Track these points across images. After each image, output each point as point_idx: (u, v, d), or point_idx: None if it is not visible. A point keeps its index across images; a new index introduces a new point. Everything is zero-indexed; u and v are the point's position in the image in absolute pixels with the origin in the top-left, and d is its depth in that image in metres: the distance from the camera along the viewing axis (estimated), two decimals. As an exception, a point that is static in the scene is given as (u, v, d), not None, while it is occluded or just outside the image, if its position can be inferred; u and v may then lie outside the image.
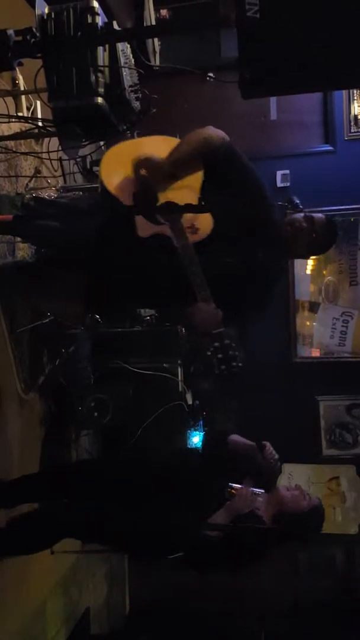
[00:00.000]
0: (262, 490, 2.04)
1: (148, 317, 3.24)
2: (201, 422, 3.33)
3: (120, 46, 2.16)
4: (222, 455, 2.21)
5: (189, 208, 1.70)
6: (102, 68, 2.06)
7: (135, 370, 3.14)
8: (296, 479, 3.84)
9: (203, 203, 1.75)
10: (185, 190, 1.82)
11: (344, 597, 3.67)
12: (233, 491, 2.00)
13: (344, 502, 3.81)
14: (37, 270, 2.27)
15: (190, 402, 3.30)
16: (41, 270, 2.22)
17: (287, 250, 1.97)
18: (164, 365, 3.17)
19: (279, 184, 3.90)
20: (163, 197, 1.82)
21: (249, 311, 2.01)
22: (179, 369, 3.20)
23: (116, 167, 1.87)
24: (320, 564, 3.75)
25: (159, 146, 1.88)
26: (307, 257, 1.85)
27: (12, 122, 2.48)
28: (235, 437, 2.31)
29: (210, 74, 3.41)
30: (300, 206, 1.79)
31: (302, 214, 1.93)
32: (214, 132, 1.84)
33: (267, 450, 2.19)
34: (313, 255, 2.02)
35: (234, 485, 2.02)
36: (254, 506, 1.96)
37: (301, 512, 1.97)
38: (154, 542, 1.98)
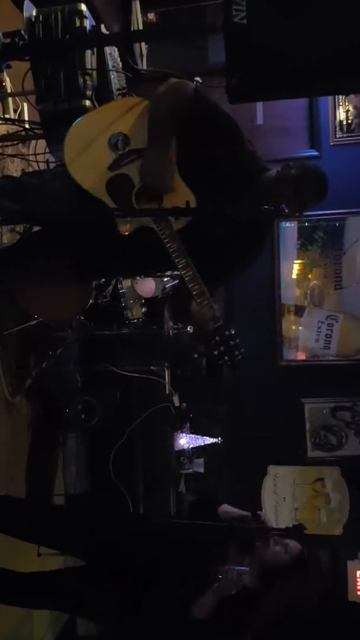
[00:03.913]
0: (247, 568, 1.94)
1: (135, 320, 3.25)
2: (188, 425, 3.34)
3: (108, 49, 2.18)
4: (214, 532, 2.11)
5: (175, 211, 1.71)
6: (90, 71, 2.08)
7: (123, 372, 3.14)
8: (281, 480, 3.87)
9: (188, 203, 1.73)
10: None
11: (329, 597, 3.69)
12: (218, 574, 1.91)
13: (328, 504, 3.84)
14: (22, 263, 2.21)
15: (177, 404, 3.31)
16: (27, 265, 2.17)
17: (274, 196, 1.79)
18: (152, 367, 3.18)
19: (265, 188, 3.93)
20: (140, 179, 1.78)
21: (240, 272, 2.02)
22: (166, 372, 3.21)
23: (85, 157, 1.79)
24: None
25: (121, 115, 1.81)
26: (294, 208, 1.71)
27: (-1, 124, 2.48)
28: (226, 508, 2.26)
29: (197, 79, 3.43)
30: (286, 210, 1.79)
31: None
32: (175, 81, 1.78)
33: (262, 521, 2.14)
34: (300, 206, 1.83)
35: (220, 568, 1.94)
36: (240, 587, 1.89)
37: (286, 567, 1.91)
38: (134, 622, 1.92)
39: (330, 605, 3.63)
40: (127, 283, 3.21)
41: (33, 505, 2.45)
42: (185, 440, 3.32)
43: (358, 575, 3.70)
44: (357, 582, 3.71)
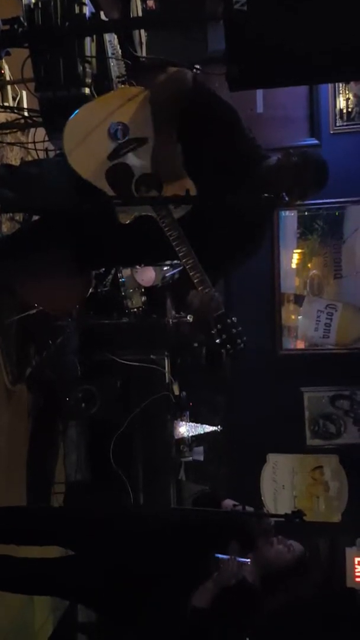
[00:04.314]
0: (248, 560, 1.93)
1: (135, 309, 3.25)
2: (187, 413, 3.36)
3: (107, 37, 2.17)
4: (216, 525, 2.09)
5: (176, 199, 1.71)
6: (89, 59, 2.06)
7: (123, 361, 3.15)
8: (280, 468, 3.90)
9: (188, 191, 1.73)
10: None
11: (328, 583, 3.73)
12: (219, 563, 1.90)
13: (327, 491, 3.87)
14: (22, 253, 2.21)
15: (177, 393, 3.32)
16: (27, 254, 2.17)
17: (274, 183, 1.76)
18: (151, 356, 3.19)
19: (265, 177, 3.92)
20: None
21: (241, 262, 2.01)
22: (166, 361, 3.22)
23: (84, 146, 1.78)
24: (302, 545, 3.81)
25: (121, 104, 1.80)
26: (294, 196, 1.69)
27: (-2, 112, 2.46)
28: (229, 503, 2.25)
29: (197, 67, 3.41)
30: (286, 198, 1.79)
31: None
32: (174, 70, 1.77)
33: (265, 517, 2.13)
34: (301, 194, 1.82)
35: (220, 556, 1.93)
36: (240, 577, 1.88)
37: (287, 567, 1.91)
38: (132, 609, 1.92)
39: (329, 592, 3.68)
40: (126, 272, 3.21)
41: (29, 513, 2.43)
42: (185, 429, 3.34)
43: (356, 562, 3.73)
44: (355, 568, 3.75)
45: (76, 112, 1.80)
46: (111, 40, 2.22)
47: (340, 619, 3.55)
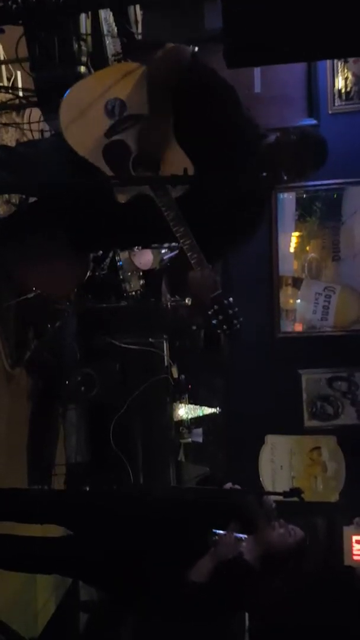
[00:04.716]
0: (245, 536, 1.94)
1: (133, 293, 3.25)
2: (186, 395, 3.38)
3: (102, 14, 2.13)
4: (216, 505, 2.12)
5: (174, 179, 1.69)
6: (84, 36, 2.03)
7: (122, 345, 3.16)
8: (279, 449, 3.93)
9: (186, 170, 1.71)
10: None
11: (326, 562, 3.79)
12: (216, 538, 1.91)
13: (325, 472, 3.91)
14: (18, 236, 2.20)
15: (176, 375, 3.33)
16: (23, 237, 2.16)
17: (273, 162, 1.76)
18: (150, 340, 3.20)
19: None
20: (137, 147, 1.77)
21: (239, 243, 2.00)
22: (165, 344, 3.22)
23: (81, 123, 1.75)
24: (302, 530, 3.86)
25: (118, 80, 1.77)
26: (293, 175, 1.69)
27: (-7, 92, 2.43)
28: (229, 486, 2.23)
29: (194, 46, 3.36)
30: (285, 177, 1.78)
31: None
32: (172, 46, 1.74)
33: (265, 500, 2.11)
34: (299, 173, 1.81)
35: (218, 531, 1.93)
36: (237, 553, 1.88)
37: (287, 551, 1.90)
38: (128, 582, 1.93)
39: (327, 570, 3.74)
40: (124, 255, 3.20)
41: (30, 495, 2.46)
42: (184, 411, 3.36)
43: (354, 541, 3.79)
44: (353, 547, 3.81)
45: (72, 87, 1.77)
46: (106, 17, 2.19)
47: (338, 597, 3.60)
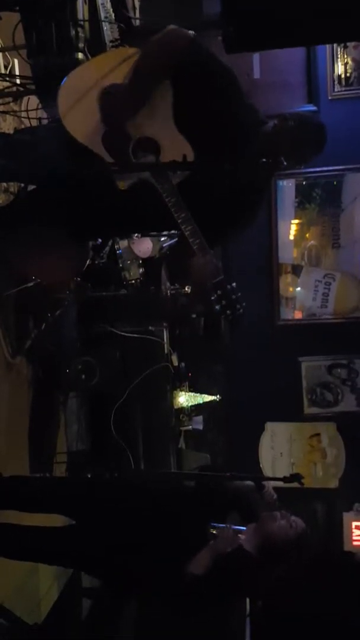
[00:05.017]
0: (244, 528, 1.92)
1: (133, 281, 3.25)
2: (187, 383, 3.39)
3: (99, 0, 2.11)
4: (215, 497, 2.09)
5: (174, 166, 1.69)
6: (82, 22, 2.01)
7: (122, 333, 3.16)
8: (278, 436, 3.95)
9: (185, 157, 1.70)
10: (158, 120, 1.75)
11: (326, 548, 3.83)
12: (214, 531, 1.90)
13: (324, 458, 3.94)
14: (17, 225, 2.19)
15: (176, 363, 3.35)
16: (22, 226, 2.15)
17: (272, 149, 1.77)
18: (150, 328, 3.20)
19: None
20: (137, 133, 1.75)
21: (240, 229, 1.99)
22: (165, 332, 3.23)
23: (79, 109, 1.73)
24: (302, 516, 3.89)
25: (116, 65, 1.75)
26: (293, 161, 1.69)
27: (-10, 80, 2.41)
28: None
29: (192, 31, 3.33)
30: (285, 163, 1.77)
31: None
32: (172, 27, 1.71)
33: (266, 491, 2.08)
34: (299, 158, 1.81)
35: (216, 525, 1.93)
36: (235, 545, 1.87)
37: (288, 543, 1.89)
38: (127, 576, 1.94)
39: (327, 556, 3.77)
40: (124, 244, 3.19)
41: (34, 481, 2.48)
42: (184, 399, 3.37)
43: (353, 527, 3.82)
44: (353, 533, 3.84)
45: (70, 74, 1.76)
46: (104, 3, 2.16)
47: (338, 583, 3.64)
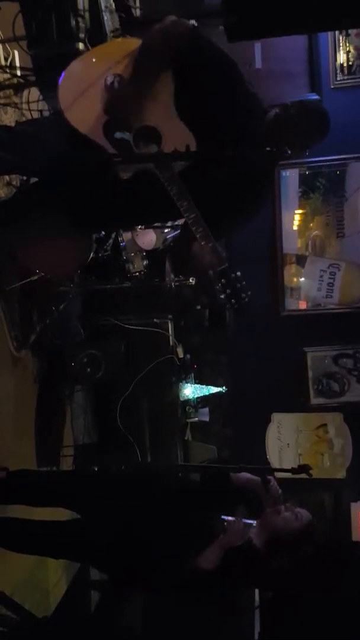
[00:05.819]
0: (254, 522, 1.93)
1: (137, 273, 3.24)
2: (192, 375, 3.39)
3: (100, -12, 2.09)
4: (223, 491, 2.08)
5: (176, 155, 1.67)
6: (82, 12, 2.00)
7: (126, 326, 3.16)
8: (285, 427, 3.94)
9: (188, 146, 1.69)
10: (159, 107, 1.74)
11: (333, 538, 3.83)
12: (225, 524, 1.90)
13: (331, 449, 3.93)
14: (21, 218, 2.18)
15: (181, 355, 3.34)
16: (26, 219, 2.15)
17: (275, 137, 1.76)
18: (155, 320, 3.20)
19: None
20: (138, 122, 1.75)
21: (244, 219, 1.99)
22: (170, 324, 3.23)
23: (81, 99, 1.73)
24: (309, 507, 3.89)
25: (117, 56, 1.75)
26: (297, 148, 1.70)
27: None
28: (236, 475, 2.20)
29: (193, 21, 3.31)
30: (289, 152, 1.75)
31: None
32: (174, 18, 1.70)
33: (271, 486, 2.07)
34: (303, 145, 1.80)
35: (226, 518, 1.93)
36: (245, 539, 1.87)
37: (295, 534, 1.89)
38: (135, 569, 1.94)
39: (335, 546, 3.78)
40: (127, 236, 3.18)
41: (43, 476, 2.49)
42: (190, 390, 3.37)
43: (361, 517, 3.82)
44: (360, 522, 3.84)
45: (71, 64, 1.75)
46: (104, -8, 2.15)
47: (347, 573, 3.65)
